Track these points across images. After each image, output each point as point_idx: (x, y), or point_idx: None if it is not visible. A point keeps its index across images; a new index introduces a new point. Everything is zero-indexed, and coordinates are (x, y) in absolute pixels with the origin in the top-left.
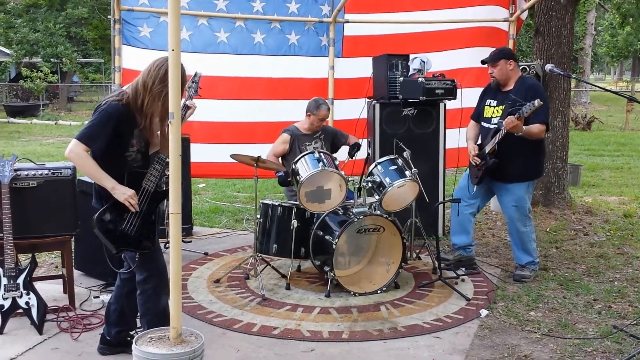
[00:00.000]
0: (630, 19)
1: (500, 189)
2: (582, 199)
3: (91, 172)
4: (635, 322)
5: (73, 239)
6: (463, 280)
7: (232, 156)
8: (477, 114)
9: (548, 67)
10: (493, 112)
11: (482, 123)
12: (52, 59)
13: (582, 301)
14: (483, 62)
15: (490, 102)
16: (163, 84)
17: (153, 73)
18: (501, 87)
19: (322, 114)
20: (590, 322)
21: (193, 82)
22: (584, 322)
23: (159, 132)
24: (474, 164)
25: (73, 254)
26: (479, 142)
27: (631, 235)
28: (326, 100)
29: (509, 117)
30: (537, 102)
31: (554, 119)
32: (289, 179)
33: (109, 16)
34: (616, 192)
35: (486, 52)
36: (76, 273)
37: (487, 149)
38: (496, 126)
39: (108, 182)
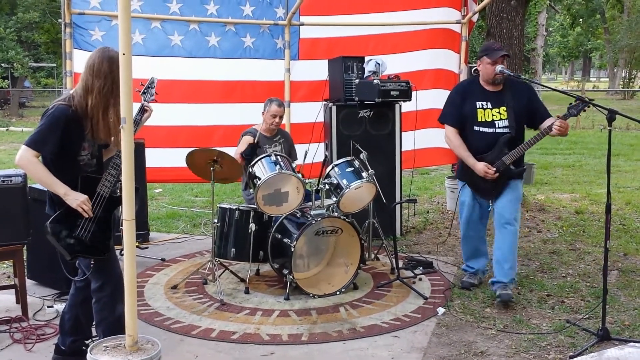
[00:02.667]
0: (581, 20)
1: (504, 191)
2: (535, 196)
3: (42, 178)
4: (587, 316)
5: (25, 248)
6: (420, 279)
7: (191, 153)
8: (462, 119)
9: (499, 68)
10: (494, 115)
11: (478, 128)
12: (2, 64)
13: (536, 297)
14: (506, 54)
15: (482, 105)
16: (104, 79)
17: (88, 72)
18: (487, 88)
19: (273, 110)
20: (544, 317)
21: (149, 87)
22: (538, 317)
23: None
24: (491, 179)
25: (25, 263)
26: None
27: (583, 231)
28: (280, 99)
29: (561, 120)
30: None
31: None
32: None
33: (59, 20)
34: (568, 190)
35: (441, 54)
36: (29, 282)
37: (508, 160)
38: (506, 130)
39: (60, 188)
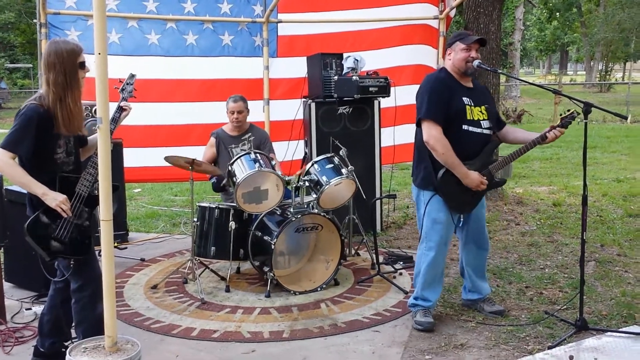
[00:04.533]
0: (557, 14)
1: (480, 204)
2: (514, 189)
3: (20, 180)
4: (565, 307)
5: (2, 250)
6: (401, 274)
7: (167, 158)
8: (448, 117)
9: (476, 63)
10: (479, 114)
11: (467, 127)
12: None
13: (515, 289)
14: (483, 42)
15: (468, 101)
16: (54, 71)
17: (43, 67)
18: (463, 84)
19: (230, 107)
20: (523, 309)
21: (127, 83)
22: (517, 309)
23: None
24: (481, 190)
25: (2, 266)
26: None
27: (560, 223)
28: (238, 94)
29: (560, 129)
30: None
31: None
32: (223, 184)
33: (35, 20)
34: (546, 182)
35: (419, 49)
36: (6, 285)
37: (495, 170)
38: (489, 132)
39: (38, 189)
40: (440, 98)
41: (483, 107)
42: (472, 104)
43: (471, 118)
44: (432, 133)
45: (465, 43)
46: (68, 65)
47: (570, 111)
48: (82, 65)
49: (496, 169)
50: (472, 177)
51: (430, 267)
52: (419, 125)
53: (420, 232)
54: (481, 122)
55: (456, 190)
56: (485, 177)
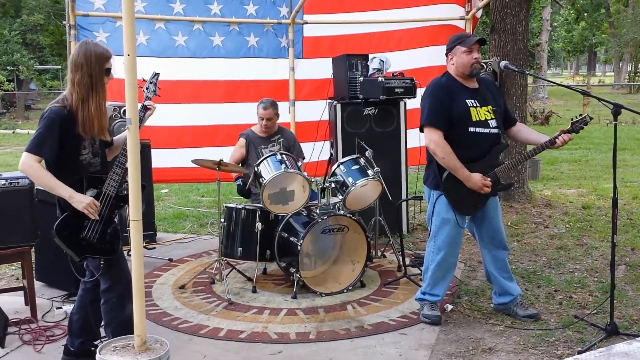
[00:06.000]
0: (585, 14)
1: (491, 205)
2: (542, 192)
3: (46, 183)
4: (595, 311)
5: (33, 250)
6: None
7: (194, 161)
8: (450, 120)
9: (503, 64)
10: (485, 114)
11: (474, 128)
12: (8, 67)
13: (544, 292)
14: (482, 41)
15: (472, 103)
16: (80, 71)
17: (69, 67)
18: (466, 85)
19: (259, 113)
20: (552, 313)
21: (151, 82)
22: (546, 313)
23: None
24: (485, 192)
25: (34, 265)
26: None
27: (590, 226)
28: (269, 99)
29: (570, 134)
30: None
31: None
32: (248, 187)
33: (64, 22)
34: (575, 185)
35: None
36: (37, 284)
37: (500, 173)
38: (497, 131)
39: (64, 192)
40: (440, 103)
41: (489, 107)
42: (478, 105)
43: (477, 119)
44: (433, 138)
45: (466, 45)
46: (95, 69)
47: (583, 116)
48: (108, 71)
49: (503, 171)
50: (474, 180)
51: (439, 266)
52: (422, 130)
53: (429, 229)
54: (489, 121)
55: (460, 192)
56: (489, 180)
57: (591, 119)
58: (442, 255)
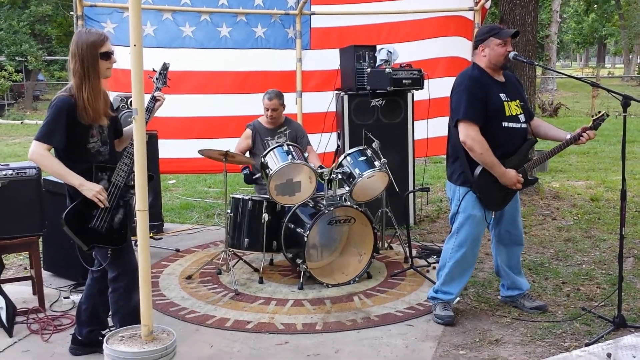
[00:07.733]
0: (595, 6)
1: (512, 203)
2: (550, 184)
3: (56, 171)
4: (603, 303)
5: (41, 240)
6: (434, 268)
7: (201, 152)
8: (486, 115)
9: (511, 55)
10: (516, 109)
11: (507, 123)
12: (16, 58)
13: (551, 284)
14: (515, 34)
15: (504, 97)
16: (75, 59)
17: (69, 57)
18: (496, 79)
19: (264, 104)
20: (559, 305)
21: (161, 73)
22: (553, 305)
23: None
24: (517, 188)
25: (41, 255)
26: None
27: (598, 218)
28: (274, 90)
29: (592, 131)
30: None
31: None
32: (254, 177)
33: (71, 12)
34: (583, 177)
35: (454, 41)
36: (45, 274)
37: (530, 168)
38: (526, 126)
39: (74, 179)
40: (477, 98)
41: (518, 101)
42: (509, 99)
43: (510, 114)
44: (470, 134)
45: (501, 38)
46: (87, 55)
47: (601, 113)
48: (106, 55)
49: (531, 167)
50: (509, 176)
51: (458, 263)
52: (455, 126)
53: (451, 227)
54: (519, 116)
55: (492, 188)
56: (521, 176)
57: (608, 115)
58: (462, 252)
